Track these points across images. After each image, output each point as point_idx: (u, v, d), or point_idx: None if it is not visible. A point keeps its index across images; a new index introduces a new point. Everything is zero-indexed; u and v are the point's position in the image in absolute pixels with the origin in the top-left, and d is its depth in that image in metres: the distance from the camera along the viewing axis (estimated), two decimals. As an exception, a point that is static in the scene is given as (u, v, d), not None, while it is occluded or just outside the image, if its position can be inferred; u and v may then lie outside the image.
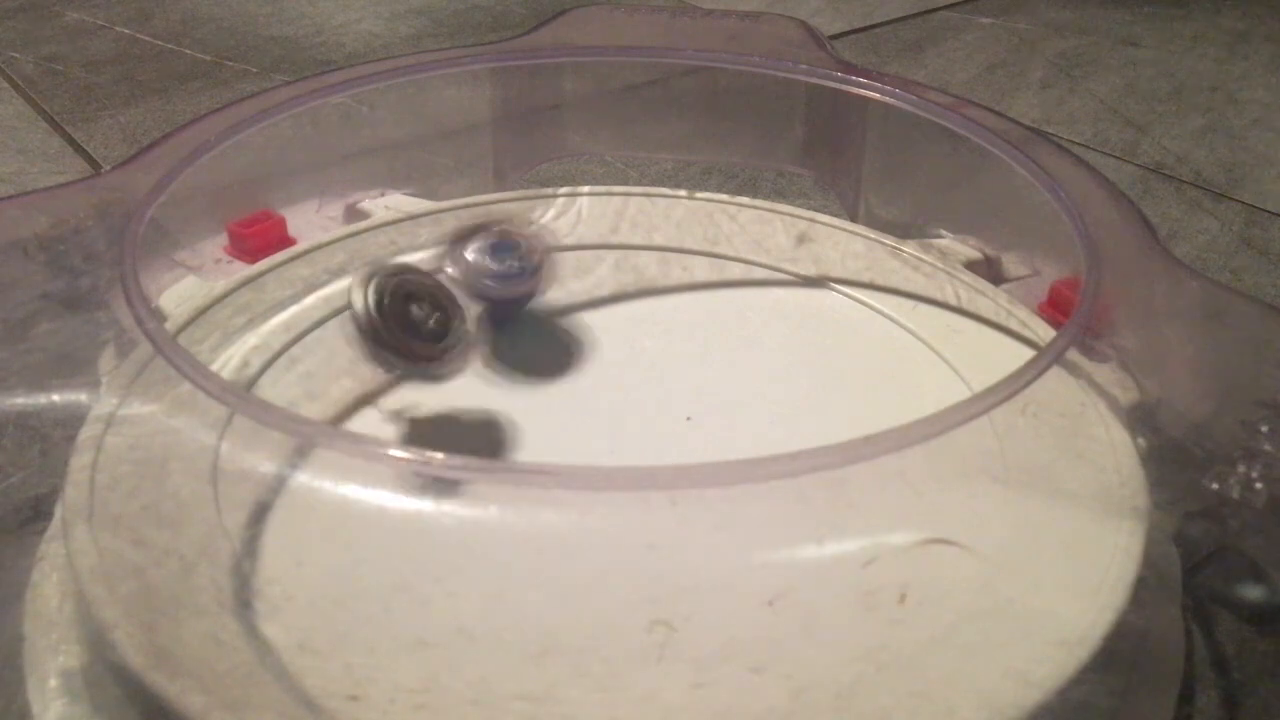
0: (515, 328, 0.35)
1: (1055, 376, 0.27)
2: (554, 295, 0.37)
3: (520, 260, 0.33)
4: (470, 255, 0.32)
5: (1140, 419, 0.27)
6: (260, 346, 0.33)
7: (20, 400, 0.28)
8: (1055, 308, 0.36)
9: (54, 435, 0.27)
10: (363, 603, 0.24)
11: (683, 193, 0.42)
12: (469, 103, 0.44)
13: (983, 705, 0.22)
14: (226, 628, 0.23)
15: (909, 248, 0.39)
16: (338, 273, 0.37)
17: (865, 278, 0.38)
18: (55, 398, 0.28)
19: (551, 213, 0.41)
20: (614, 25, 0.45)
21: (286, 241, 0.39)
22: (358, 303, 0.29)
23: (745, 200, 0.41)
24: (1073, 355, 0.28)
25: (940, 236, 0.40)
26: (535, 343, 0.35)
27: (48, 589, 0.26)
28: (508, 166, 0.45)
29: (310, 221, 0.40)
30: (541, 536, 0.25)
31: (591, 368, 0.33)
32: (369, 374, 0.33)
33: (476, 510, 0.25)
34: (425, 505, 0.25)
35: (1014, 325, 0.35)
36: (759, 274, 0.39)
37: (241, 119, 0.37)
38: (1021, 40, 0.74)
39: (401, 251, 0.38)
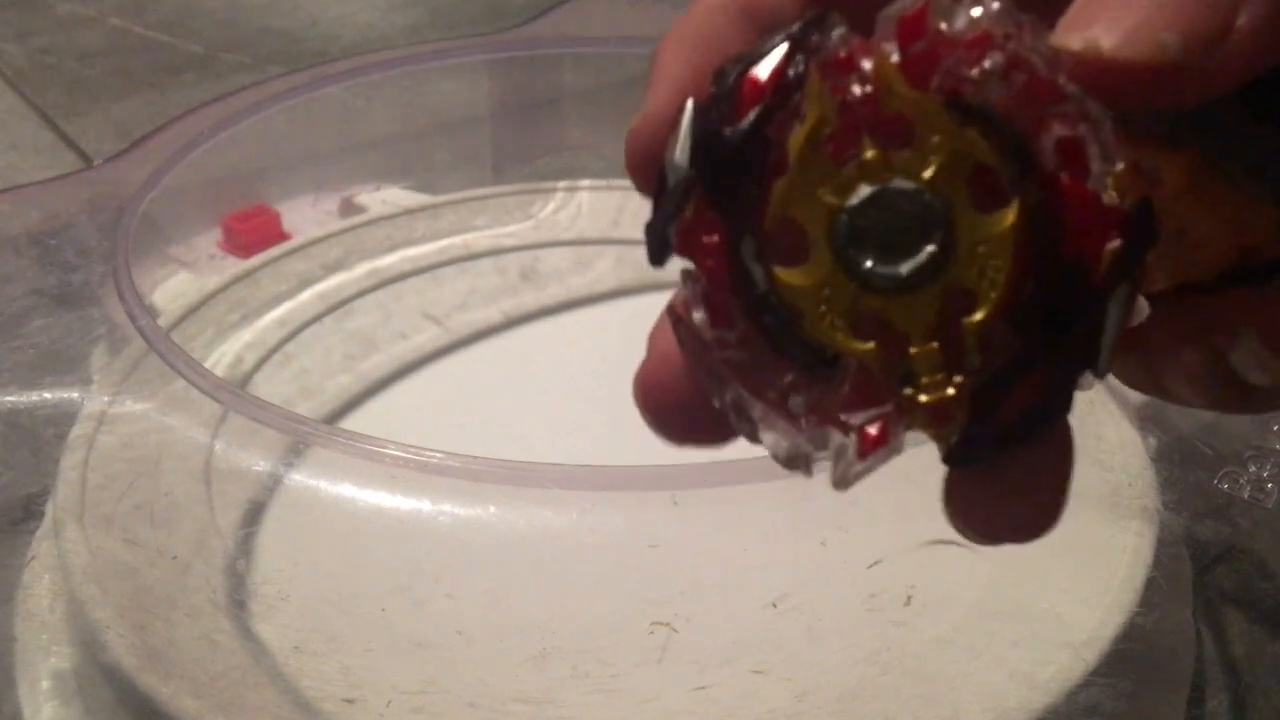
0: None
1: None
2: (552, 291, 0.36)
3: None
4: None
5: (1150, 418, 0.27)
6: (254, 343, 0.33)
7: (11, 398, 0.27)
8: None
9: (45, 433, 0.27)
10: (359, 603, 0.24)
11: (682, 187, 0.42)
12: (467, 95, 0.43)
13: (989, 708, 0.21)
14: (220, 629, 0.23)
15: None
16: (333, 268, 0.36)
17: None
18: (46, 395, 0.28)
19: (551, 207, 0.40)
20: (615, 16, 0.45)
21: (282, 236, 0.38)
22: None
23: (746, 194, 0.41)
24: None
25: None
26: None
27: (39, 589, 0.26)
28: (506, 160, 0.45)
29: (306, 216, 0.40)
30: (541, 536, 0.25)
31: (592, 365, 0.33)
32: (366, 370, 0.33)
33: (475, 510, 0.25)
34: (423, 505, 0.25)
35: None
36: (760, 269, 0.39)
37: (236, 112, 0.36)
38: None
39: (398, 246, 0.38)
